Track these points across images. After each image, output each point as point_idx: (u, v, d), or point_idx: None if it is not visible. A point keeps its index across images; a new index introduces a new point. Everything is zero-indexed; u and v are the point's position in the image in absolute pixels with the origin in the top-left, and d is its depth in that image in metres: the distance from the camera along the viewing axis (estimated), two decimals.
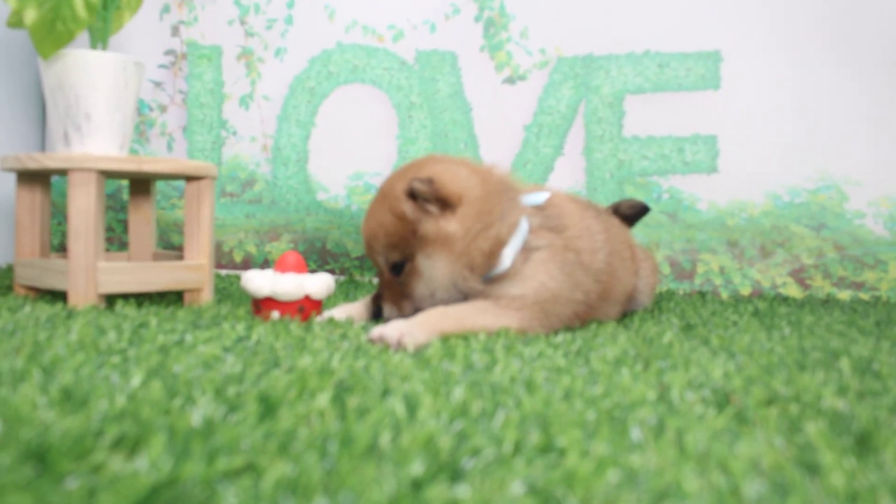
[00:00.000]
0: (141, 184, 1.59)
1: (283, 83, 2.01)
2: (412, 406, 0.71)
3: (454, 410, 0.71)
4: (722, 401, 0.78)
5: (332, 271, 2.00)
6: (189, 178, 1.45)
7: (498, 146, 1.93)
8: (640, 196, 1.88)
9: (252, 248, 2.01)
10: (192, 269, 1.45)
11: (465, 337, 1.08)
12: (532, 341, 1.08)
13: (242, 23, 2.00)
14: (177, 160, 1.37)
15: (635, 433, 0.66)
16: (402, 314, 1.21)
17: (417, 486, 0.53)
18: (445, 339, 1.06)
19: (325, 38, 1.99)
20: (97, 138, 1.36)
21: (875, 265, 1.80)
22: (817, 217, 1.82)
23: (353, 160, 1.98)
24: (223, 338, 1.04)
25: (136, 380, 0.77)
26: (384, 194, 1.22)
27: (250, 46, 2.01)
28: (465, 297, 1.20)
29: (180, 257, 1.57)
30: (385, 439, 0.61)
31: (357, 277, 1.98)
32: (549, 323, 1.21)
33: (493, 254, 1.18)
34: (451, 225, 1.16)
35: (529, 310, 1.18)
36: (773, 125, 1.83)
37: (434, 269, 1.18)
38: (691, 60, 1.87)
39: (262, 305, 1.28)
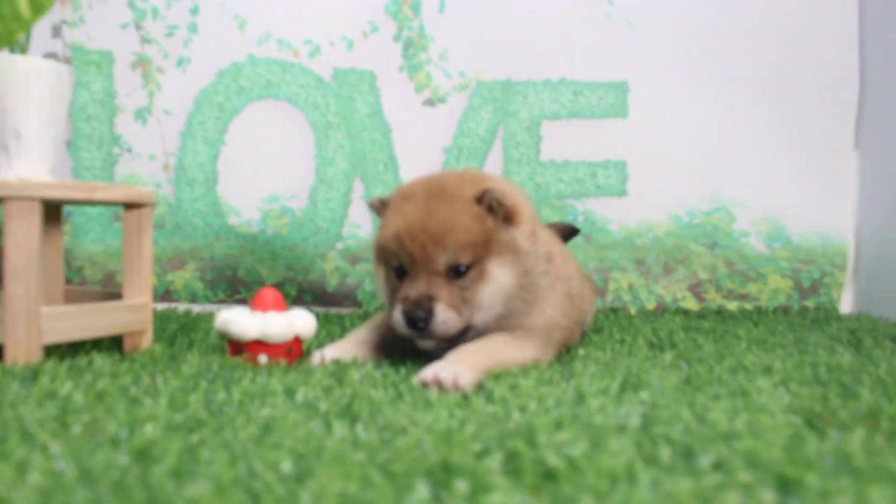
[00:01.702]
0: (50, 210, 1.38)
1: (186, 96, 1.84)
2: None
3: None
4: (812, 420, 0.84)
5: (243, 301, 1.86)
6: (127, 206, 1.29)
7: (418, 168, 1.89)
8: (556, 218, 1.95)
9: (152, 279, 1.82)
10: (135, 310, 1.28)
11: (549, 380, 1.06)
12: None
13: (138, 27, 1.81)
14: (133, 188, 1.21)
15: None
16: (460, 320, 1.11)
17: None
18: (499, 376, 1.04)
19: (235, 49, 1.85)
20: (28, 160, 1.17)
21: (757, 278, 2.01)
22: (711, 236, 2.00)
23: (267, 181, 1.86)
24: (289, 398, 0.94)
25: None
26: (451, 194, 1.14)
27: (147, 54, 1.82)
28: (504, 315, 1.17)
29: (102, 295, 1.39)
30: None
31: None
32: (551, 351, 1.23)
33: (534, 272, 1.19)
34: (520, 239, 1.16)
35: (540, 339, 1.19)
36: (673, 151, 1.98)
37: (506, 277, 1.14)
38: (602, 89, 1.97)
39: (245, 349, 1.17)
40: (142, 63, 1.83)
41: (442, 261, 1.11)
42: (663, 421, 0.82)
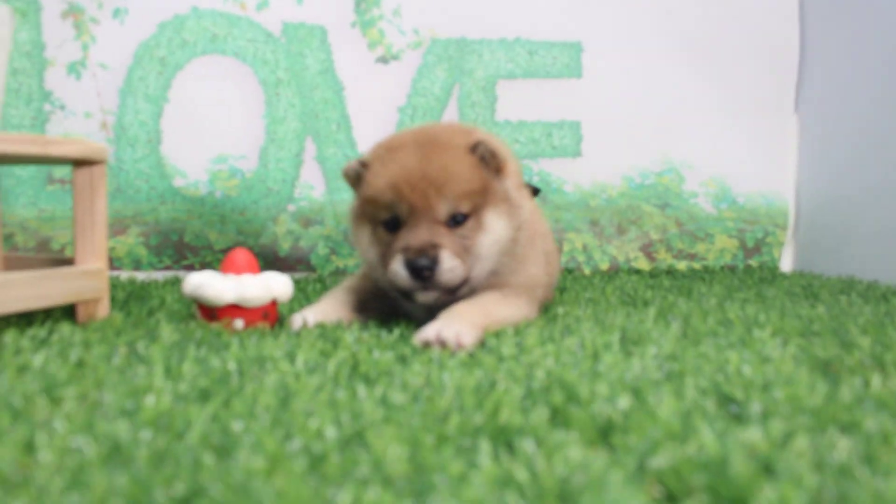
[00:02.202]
0: None
1: (125, 50, 1.70)
2: None
3: None
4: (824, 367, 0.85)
5: (191, 266, 1.76)
6: (78, 163, 1.18)
7: (371, 128, 1.83)
8: None
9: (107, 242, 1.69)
10: (90, 276, 1.18)
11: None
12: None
13: None
14: (88, 142, 1.10)
15: None
16: (463, 269, 1.06)
17: None
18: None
19: (178, 0, 1.72)
20: None
21: (705, 238, 2.05)
22: (662, 197, 2.02)
23: (215, 141, 1.75)
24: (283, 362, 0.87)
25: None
26: (445, 144, 1.09)
27: (79, 4, 1.67)
28: (495, 269, 1.14)
29: (49, 261, 1.27)
30: None
31: None
32: (535, 309, 1.21)
33: (524, 224, 1.16)
34: (512, 191, 1.13)
35: (526, 296, 1.17)
36: (626, 113, 1.98)
37: (503, 228, 1.11)
38: (557, 49, 1.94)
39: (219, 314, 1.09)
40: (73, 13, 1.67)
41: (443, 209, 1.06)
42: (690, 373, 0.81)
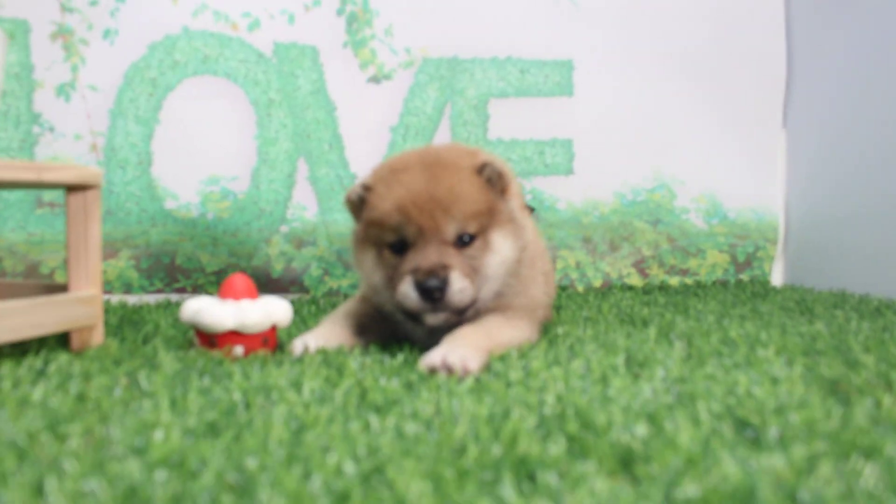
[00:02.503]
0: None
1: (115, 71, 1.68)
2: None
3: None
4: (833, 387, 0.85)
5: (182, 289, 1.74)
6: (71, 188, 1.16)
7: (364, 148, 1.82)
8: None
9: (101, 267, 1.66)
10: (84, 303, 1.16)
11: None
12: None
13: None
14: (83, 168, 1.09)
15: None
16: (473, 289, 1.05)
17: None
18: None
19: (169, 21, 1.70)
20: None
21: (696, 253, 2.05)
22: (654, 213, 2.03)
23: (206, 163, 1.73)
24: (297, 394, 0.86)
25: None
26: (451, 164, 1.10)
27: (69, 24, 1.65)
28: (500, 291, 1.14)
29: (40, 287, 1.25)
30: None
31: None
32: (537, 330, 1.20)
33: (526, 248, 1.17)
34: (516, 211, 1.14)
35: (528, 318, 1.16)
36: (617, 130, 1.99)
37: (510, 248, 1.11)
38: (548, 68, 1.95)
39: (219, 341, 1.08)
40: (63, 34, 1.66)
41: (451, 230, 1.06)
42: (701, 396, 0.80)
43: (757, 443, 0.67)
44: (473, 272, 1.06)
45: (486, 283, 1.09)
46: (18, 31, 1.62)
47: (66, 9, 1.65)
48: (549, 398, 0.80)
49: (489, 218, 1.08)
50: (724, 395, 0.81)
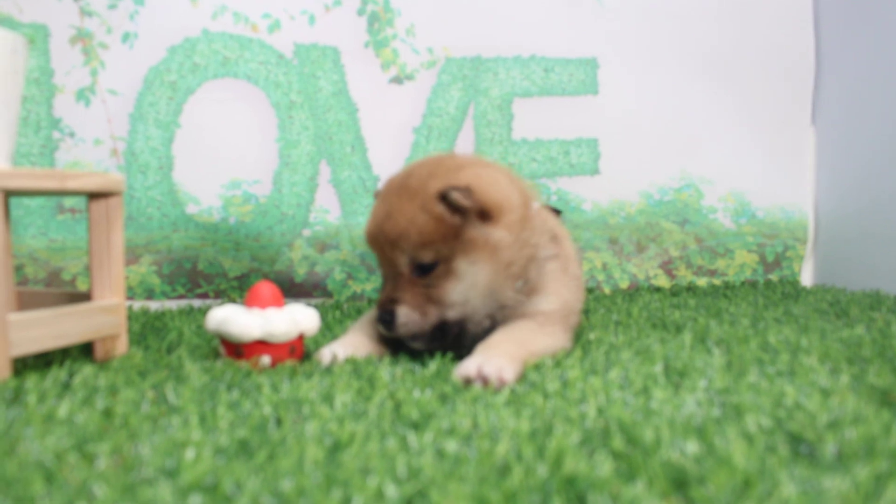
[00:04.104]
0: None
1: (135, 75, 1.67)
2: None
3: None
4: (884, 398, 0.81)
5: (205, 294, 1.72)
6: (93, 195, 1.14)
7: (386, 149, 1.80)
8: None
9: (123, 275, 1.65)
10: (108, 312, 1.14)
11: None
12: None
13: None
14: (105, 175, 1.07)
15: None
16: (425, 320, 1.07)
17: None
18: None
19: (188, 23, 1.69)
20: None
21: (725, 254, 2.01)
22: (681, 213, 1.99)
23: (227, 166, 1.71)
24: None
25: None
26: (412, 191, 1.07)
27: (88, 28, 1.63)
28: (497, 305, 1.10)
29: (64, 296, 1.24)
30: None
31: (238, 300, 1.72)
32: (570, 336, 1.17)
33: (531, 261, 1.12)
34: (498, 233, 1.07)
35: (562, 325, 1.13)
36: (643, 129, 1.95)
37: (477, 275, 1.06)
38: (573, 66, 1.92)
39: (245, 350, 1.06)
40: (82, 38, 1.64)
41: (403, 261, 1.08)
42: (749, 409, 0.77)
43: (814, 461, 0.64)
44: (430, 301, 1.07)
45: (451, 308, 1.07)
46: (38, 36, 1.61)
47: (85, 12, 1.63)
48: (591, 411, 0.77)
49: (448, 245, 1.05)
50: (773, 408, 0.78)
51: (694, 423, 0.72)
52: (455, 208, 1.05)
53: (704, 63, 1.98)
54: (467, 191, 1.04)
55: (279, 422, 0.77)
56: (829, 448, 0.65)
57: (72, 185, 1.03)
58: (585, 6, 1.92)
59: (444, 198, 1.05)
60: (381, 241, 1.09)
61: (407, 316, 1.07)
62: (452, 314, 1.08)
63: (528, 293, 1.12)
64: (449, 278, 1.06)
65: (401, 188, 1.10)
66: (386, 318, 1.08)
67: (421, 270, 1.07)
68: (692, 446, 0.65)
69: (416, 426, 0.75)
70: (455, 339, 1.09)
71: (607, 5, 1.93)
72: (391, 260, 1.09)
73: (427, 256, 1.06)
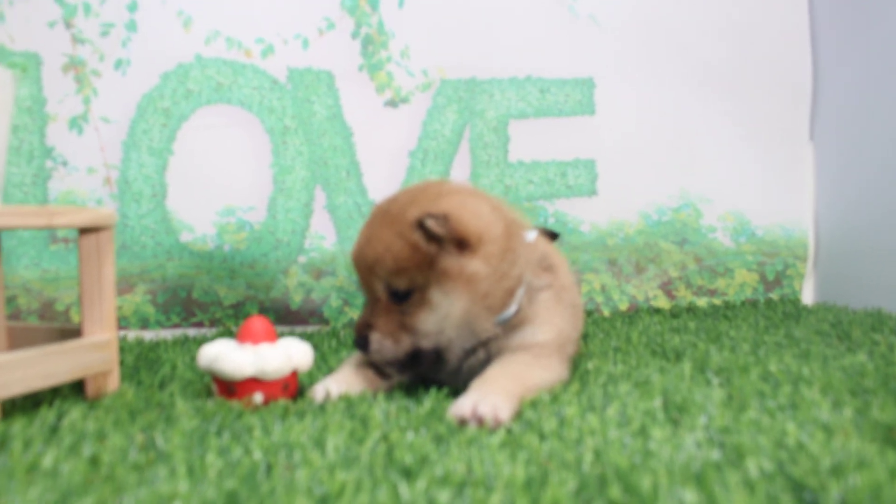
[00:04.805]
0: None
1: (128, 102, 1.66)
2: None
3: None
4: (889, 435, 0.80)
5: (200, 323, 1.70)
6: (84, 230, 1.13)
7: (382, 174, 1.79)
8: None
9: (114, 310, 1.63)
10: (99, 348, 1.12)
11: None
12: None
13: (68, 26, 1.61)
14: (94, 210, 1.06)
15: None
16: (398, 347, 1.07)
17: None
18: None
19: (181, 49, 1.68)
20: None
21: (724, 273, 2.00)
22: (680, 233, 1.97)
23: (221, 193, 1.70)
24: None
25: None
26: (392, 217, 1.07)
27: (80, 56, 1.63)
28: (475, 337, 1.08)
29: (55, 332, 1.22)
30: None
31: (233, 328, 1.71)
32: (567, 367, 1.16)
33: (513, 293, 1.10)
34: (474, 264, 1.05)
35: (558, 356, 1.12)
36: (640, 148, 1.94)
37: (451, 305, 1.05)
38: (569, 87, 1.91)
39: (238, 388, 1.04)
40: (74, 66, 1.63)
41: (379, 287, 1.07)
42: (749, 451, 0.75)
43: None
44: (402, 328, 1.07)
45: (424, 338, 1.06)
46: (30, 64, 1.60)
47: (77, 40, 1.62)
48: (588, 455, 0.76)
49: (423, 274, 1.04)
50: (774, 449, 0.76)
51: (693, 468, 0.70)
52: (431, 236, 1.03)
53: (701, 81, 1.97)
54: (444, 219, 1.03)
55: (270, 469, 0.75)
56: (834, 496, 0.63)
57: (60, 221, 1.01)
58: (581, 26, 1.91)
59: (420, 225, 1.03)
60: (361, 265, 1.09)
61: (379, 342, 1.07)
62: (426, 343, 1.07)
63: (520, 324, 1.11)
64: (423, 307, 1.05)
65: (383, 213, 1.10)
66: (360, 342, 1.09)
67: (397, 297, 1.06)
68: (691, 496, 0.63)
69: (409, 473, 0.73)
70: (434, 366, 1.10)
71: (603, 25, 1.92)
72: (370, 285, 1.09)
73: (402, 284, 1.05)
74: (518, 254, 1.10)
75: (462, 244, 1.04)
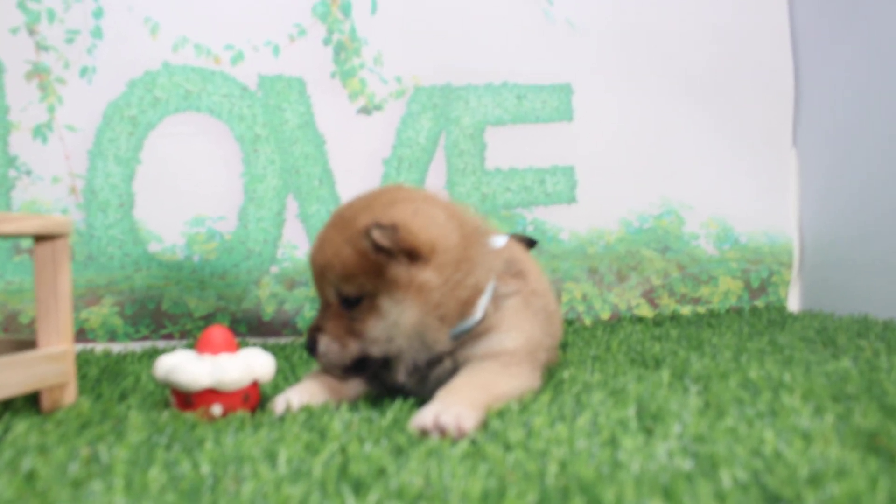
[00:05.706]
0: None
1: (94, 110, 1.62)
2: None
3: None
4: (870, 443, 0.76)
5: (170, 335, 1.65)
6: (39, 238, 1.09)
7: (355, 182, 1.75)
8: (505, 229, 1.84)
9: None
10: (54, 360, 1.08)
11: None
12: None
13: (31, 32, 1.58)
14: (48, 216, 1.01)
15: None
16: (345, 352, 1.05)
17: None
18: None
19: (148, 56, 1.64)
20: None
21: (708, 281, 1.97)
22: (662, 240, 1.94)
23: (191, 203, 1.66)
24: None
25: None
26: (345, 222, 1.05)
27: (45, 63, 1.59)
28: (428, 349, 1.05)
29: (10, 343, 1.17)
30: None
31: None
32: (538, 375, 1.12)
33: (470, 304, 1.06)
34: (425, 274, 1.01)
35: (527, 363, 1.08)
36: (620, 155, 1.91)
37: (401, 314, 1.02)
38: (546, 93, 1.88)
39: (195, 400, 0.99)
40: (38, 73, 1.60)
41: (331, 292, 1.06)
42: (723, 460, 0.71)
43: None
44: (352, 334, 1.05)
45: (373, 344, 1.04)
46: None
47: (41, 47, 1.59)
48: (552, 467, 0.71)
49: (372, 282, 1.01)
50: (749, 457, 0.72)
51: (662, 479, 0.66)
52: (378, 246, 1.01)
53: (682, 86, 1.95)
54: (393, 229, 0.99)
55: (216, 482, 0.71)
56: None
57: (8, 228, 0.97)
58: (558, 30, 1.89)
59: (367, 235, 1.01)
60: (314, 269, 1.09)
61: (327, 346, 1.06)
62: (375, 350, 1.05)
63: (486, 332, 1.07)
64: (372, 314, 1.03)
65: (338, 218, 1.09)
66: (309, 345, 1.08)
67: (347, 303, 1.04)
68: None
69: (361, 487, 0.69)
70: (384, 375, 1.08)
71: (581, 29, 1.90)
72: (322, 289, 1.08)
73: (351, 290, 1.03)
74: (476, 262, 1.06)
75: (412, 254, 1.01)
